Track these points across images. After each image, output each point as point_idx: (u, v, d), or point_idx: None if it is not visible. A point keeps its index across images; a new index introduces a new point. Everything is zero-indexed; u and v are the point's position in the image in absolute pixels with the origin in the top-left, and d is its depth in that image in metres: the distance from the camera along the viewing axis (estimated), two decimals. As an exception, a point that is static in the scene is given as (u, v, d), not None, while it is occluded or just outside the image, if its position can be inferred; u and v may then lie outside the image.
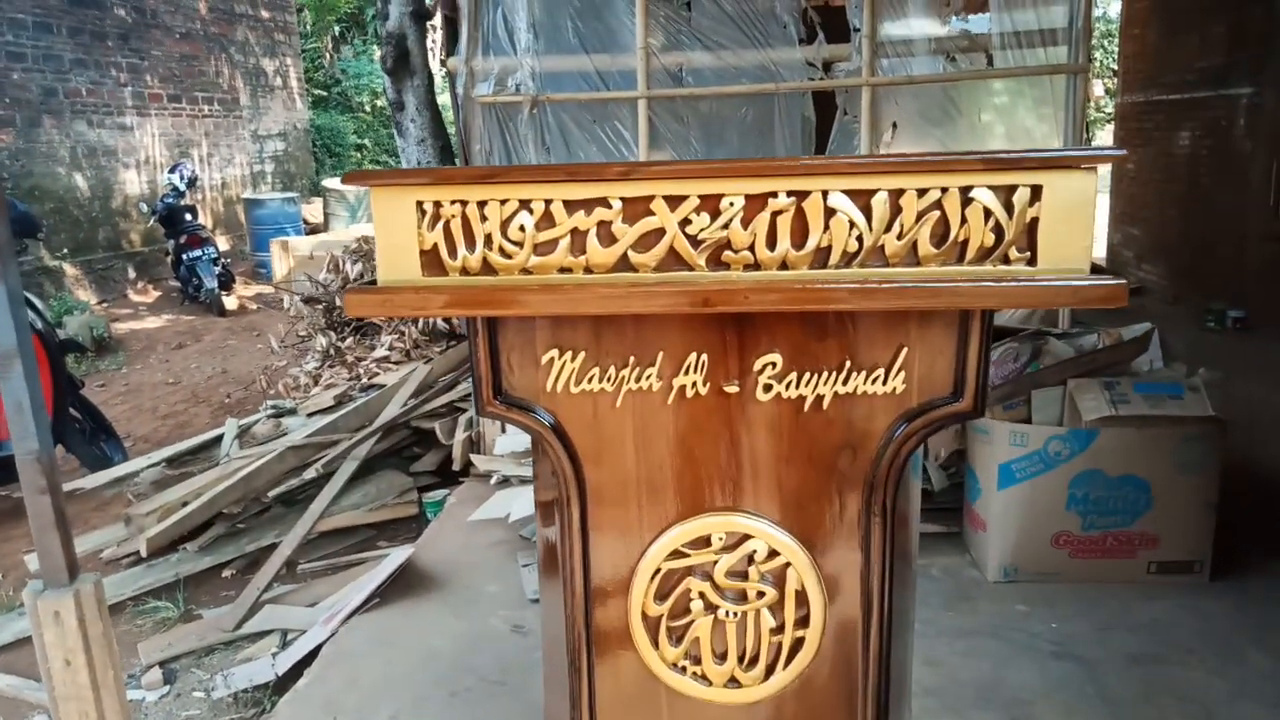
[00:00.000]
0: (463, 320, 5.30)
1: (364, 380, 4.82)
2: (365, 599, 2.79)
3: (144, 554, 3.21)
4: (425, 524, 3.61)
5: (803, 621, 1.12)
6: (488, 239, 0.99)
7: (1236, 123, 6.10)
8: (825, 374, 1.04)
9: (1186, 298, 6.57)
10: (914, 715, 1.56)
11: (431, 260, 1.01)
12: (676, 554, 1.11)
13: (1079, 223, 0.94)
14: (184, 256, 8.70)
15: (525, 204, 0.98)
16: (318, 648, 2.66)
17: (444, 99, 6.62)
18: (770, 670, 1.13)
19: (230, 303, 9.08)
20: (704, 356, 1.05)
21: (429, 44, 7.00)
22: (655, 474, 1.10)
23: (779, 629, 1.12)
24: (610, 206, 0.97)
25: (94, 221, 9.29)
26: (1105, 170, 9.66)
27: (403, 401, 4.11)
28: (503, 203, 0.98)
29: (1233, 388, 3.56)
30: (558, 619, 1.18)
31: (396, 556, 3.01)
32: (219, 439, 4.13)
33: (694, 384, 1.06)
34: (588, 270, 0.99)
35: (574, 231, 0.98)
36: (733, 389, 1.06)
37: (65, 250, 8.76)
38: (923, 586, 2.79)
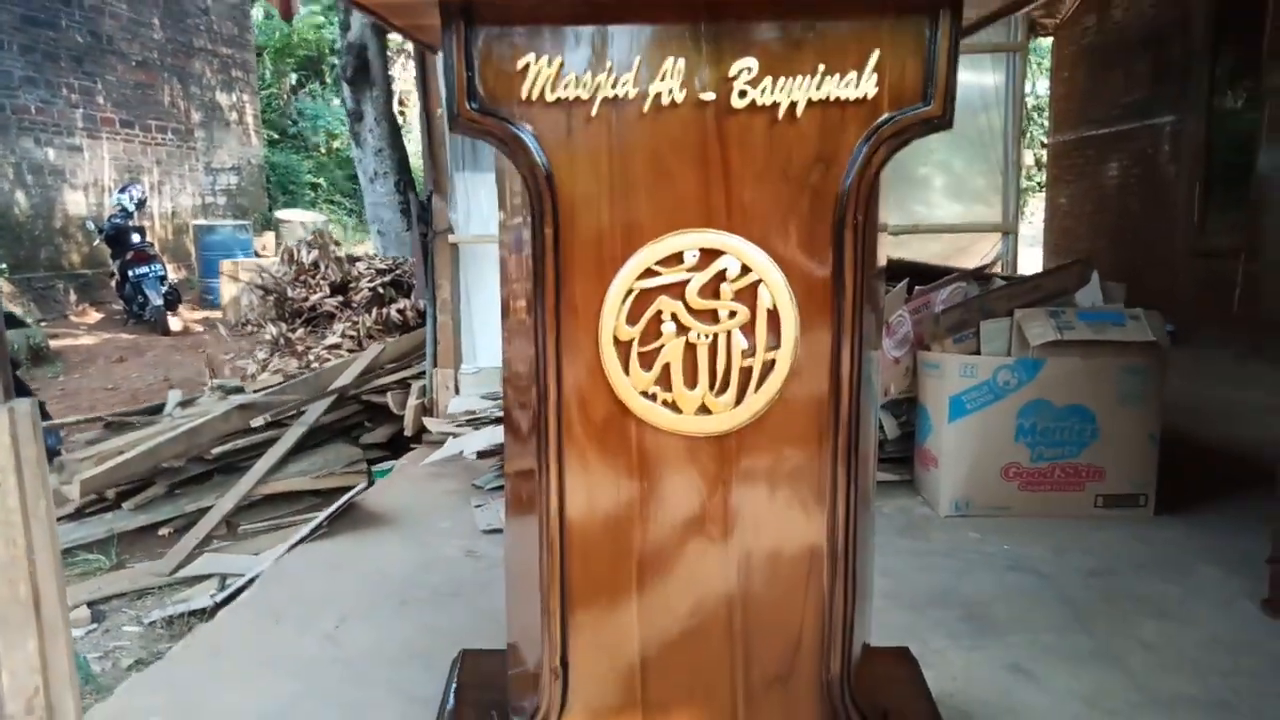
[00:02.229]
0: (416, 313, 5.27)
1: (315, 367, 4.74)
2: (311, 530, 2.70)
3: (76, 497, 3.07)
4: (374, 487, 3.52)
5: (774, 342, 1.12)
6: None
7: (1161, 150, 6.45)
8: (799, 78, 1.07)
9: (1122, 318, 6.82)
10: (875, 610, 1.56)
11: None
12: (648, 273, 1.11)
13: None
14: (130, 273, 8.52)
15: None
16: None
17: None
18: (741, 396, 1.13)
19: (175, 324, 8.88)
20: (680, 61, 1.07)
21: (389, 58, 7.10)
22: (629, 189, 1.11)
23: (750, 351, 1.12)
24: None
25: (35, 240, 9.07)
26: (1038, 216, 10.09)
27: (355, 373, 4.04)
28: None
29: (1168, 388, 3.71)
30: (528, 524, 1.19)
31: (346, 495, 2.92)
32: (160, 408, 4.00)
33: (669, 91, 1.08)
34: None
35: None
36: (708, 97, 1.08)
37: (3, 266, 8.52)
38: (875, 521, 2.80)
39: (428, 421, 3.69)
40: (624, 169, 1.10)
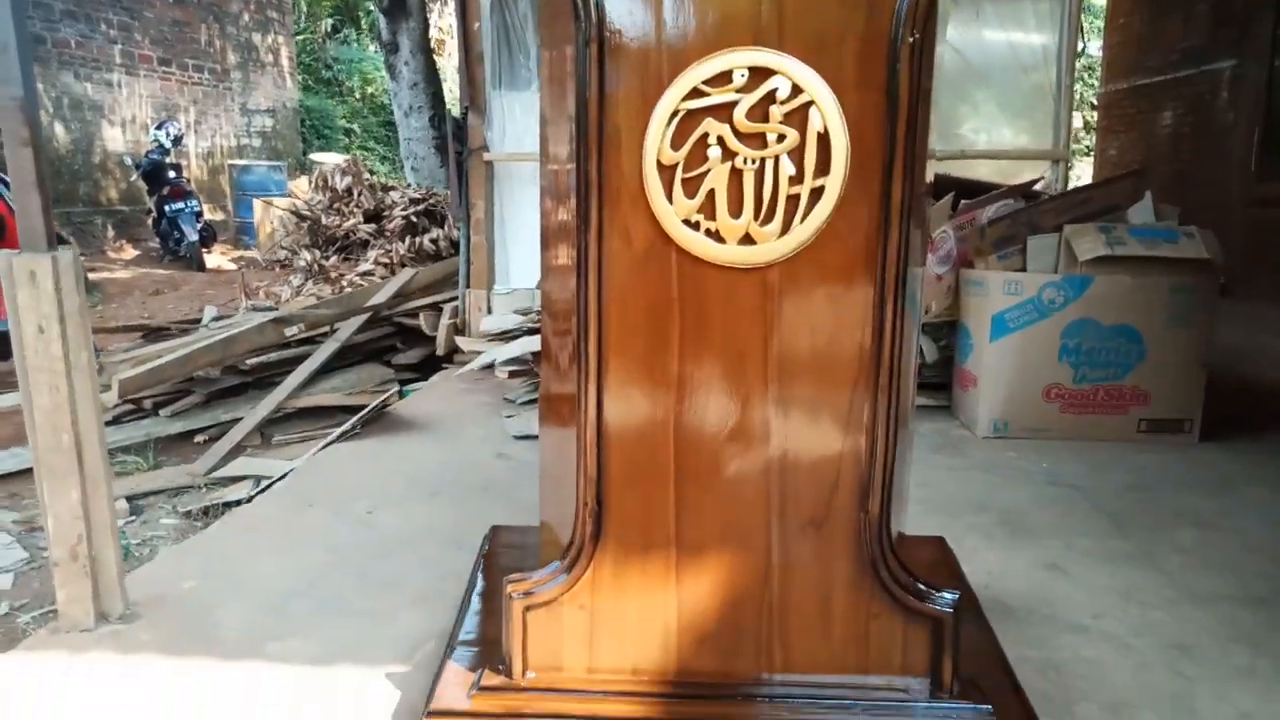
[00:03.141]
0: (449, 242, 5.26)
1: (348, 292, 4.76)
2: (345, 430, 2.72)
3: (115, 398, 3.11)
4: (406, 402, 3.53)
5: (823, 168, 1.08)
6: None
7: (1219, 96, 6.22)
8: (856, -116, 1.02)
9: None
10: (910, 515, 1.53)
11: None
12: (695, 93, 1.08)
13: None
14: (166, 209, 8.60)
15: None
16: (293, 473, 2.57)
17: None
18: (787, 225, 1.10)
19: (211, 261, 8.97)
20: None
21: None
22: (677, 3, 1.06)
23: (798, 178, 1.09)
24: None
25: (74, 174, 9.17)
26: (1086, 166, 9.85)
27: (389, 294, 4.05)
28: None
29: (1217, 335, 3.61)
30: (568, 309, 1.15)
31: (380, 398, 2.94)
32: (196, 323, 4.04)
33: (721, -103, 1.03)
34: None
35: None
36: (761, -97, 1.03)
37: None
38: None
39: (460, 340, 3.70)
40: (672, -17, 1.06)
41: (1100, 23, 10.35)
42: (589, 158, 1.09)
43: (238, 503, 2.53)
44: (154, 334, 3.85)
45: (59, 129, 8.92)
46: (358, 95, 14.54)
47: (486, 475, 2.44)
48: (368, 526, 2.08)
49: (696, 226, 1.10)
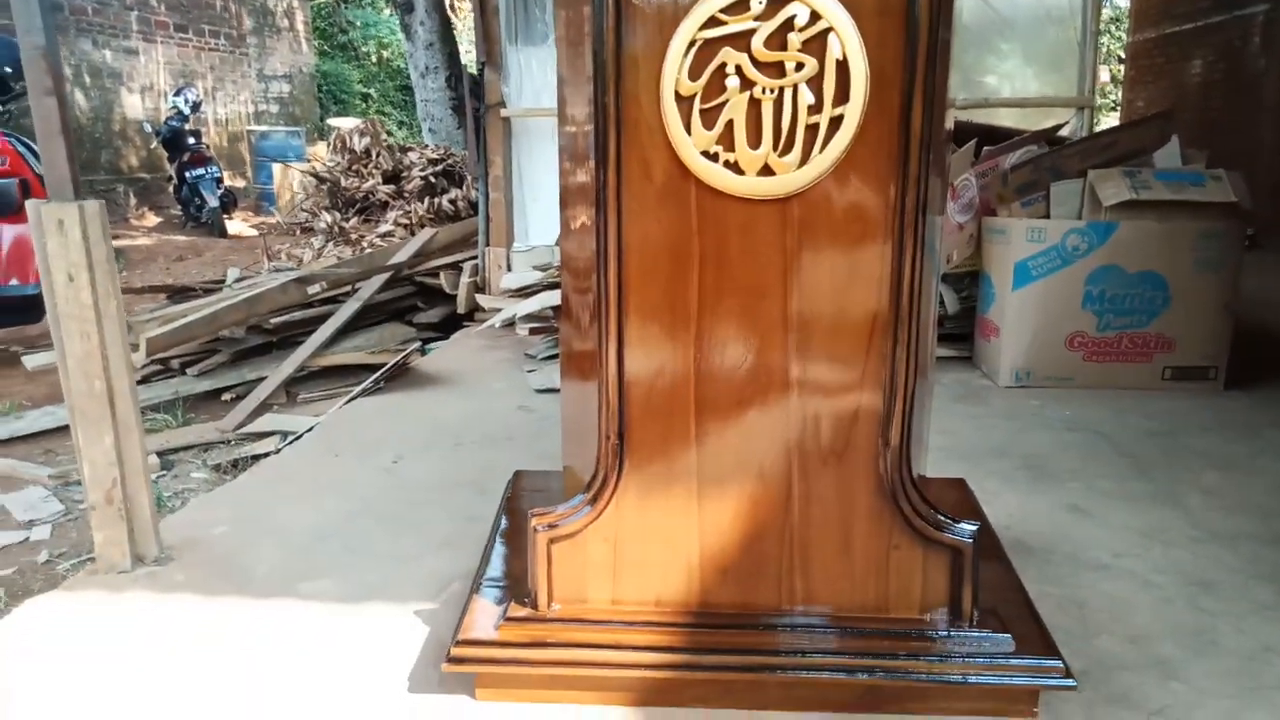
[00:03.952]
0: (468, 203, 5.25)
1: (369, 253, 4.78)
2: (369, 384, 2.75)
3: (144, 358, 3.15)
4: (428, 360, 3.56)
5: (842, 96, 1.07)
6: None
7: (1250, 42, 6.06)
8: None
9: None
10: (930, 462, 1.52)
11: None
12: (713, 21, 1.07)
13: None
14: (187, 175, 8.64)
15: None
16: (319, 426, 2.61)
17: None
18: (807, 155, 1.09)
19: (232, 226, 9.02)
20: None
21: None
22: (694, -69, 1.05)
23: (817, 107, 1.08)
24: None
25: (96, 142, 9.22)
26: (1114, 120, 9.67)
27: (410, 252, 4.06)
28: None
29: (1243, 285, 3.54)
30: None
31: (404, 353, 2.96)
32: (220, 283, 4.08)
33: None
34: None
35: None
36: None
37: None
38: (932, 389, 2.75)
39: (481, 298, 3.71)
40: (689, -91, 1.05)
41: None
42: (607, 90, 1.09)
43: (265, 456, 2.57)
44: (179, 294, 3.90)
45: (80, 98, 8.95)
46: (374, 59, 14.46)
47: (509, 425, 2.47)
48: (393, 475, 2.12)
49: (715, 158, 1.10)
